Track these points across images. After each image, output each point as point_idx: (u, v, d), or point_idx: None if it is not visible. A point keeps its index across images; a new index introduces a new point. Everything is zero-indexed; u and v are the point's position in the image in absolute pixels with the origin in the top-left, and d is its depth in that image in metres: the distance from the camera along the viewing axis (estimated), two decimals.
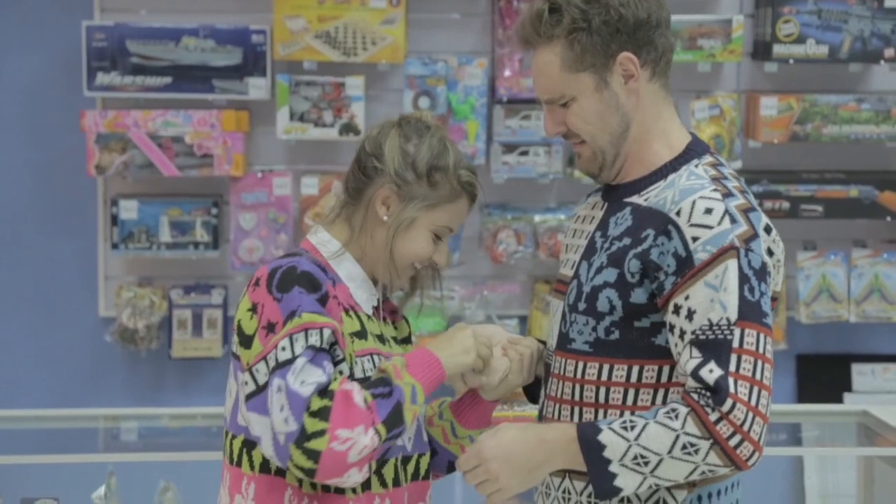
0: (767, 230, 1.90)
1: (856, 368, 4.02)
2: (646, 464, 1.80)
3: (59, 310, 3.99)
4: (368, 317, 2.03)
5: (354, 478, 1.89)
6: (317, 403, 1.86)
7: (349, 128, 3.85)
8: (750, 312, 1.81)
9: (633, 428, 1.81)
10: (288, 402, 1.86)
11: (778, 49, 3.77)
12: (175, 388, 4.01)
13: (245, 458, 2.00)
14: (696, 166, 1.93)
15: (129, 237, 3.87)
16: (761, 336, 1.81)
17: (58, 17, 3.91)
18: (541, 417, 2.03)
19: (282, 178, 3.91)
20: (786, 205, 3.82)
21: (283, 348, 1.88)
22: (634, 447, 1.80)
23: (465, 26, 3.94)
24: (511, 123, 3.89)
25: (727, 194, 1.87)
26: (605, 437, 1.82)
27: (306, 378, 1.87)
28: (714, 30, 3.81)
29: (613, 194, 2.00)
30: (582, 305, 1.93)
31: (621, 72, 1.92)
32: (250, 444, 1.99)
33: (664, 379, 1.88)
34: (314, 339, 1.88)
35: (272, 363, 1.88)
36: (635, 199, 1.94)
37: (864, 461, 2.92)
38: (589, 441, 1.83)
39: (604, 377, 1.91)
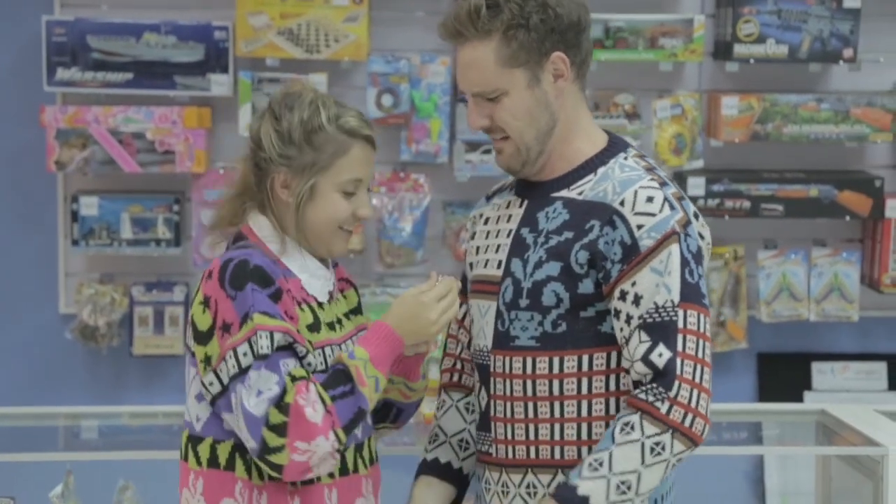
0: (696, 216, 1.99)
1: (816, 367, 4.05)
2: (629, 488, 1.87)
3: (19, 306, 3.96)
4: (321, 305, 2.03)
5: (326, 468, 1.93)
6: (275, 417, 1.88)
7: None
8: (691, 294, 1.90)
9: (601, 463, 1.87)
10: (245, 422, 1.89)
11: (738, 49, 3.79)
12: (136, 385, 3.99)
13: (191, 452, 2.01)
14: (625, 158, 2.00)
15: (89, 234, 3.84)
16: (701, 316, 1.90)
17: (17, 11, 3.87)
18: (488, 418, 2.04)
19: None
20: (747, 204, 3.85)
21: (245, 354, 1.90)
22: (613, 479, 1.86)
23: (428, 24, 3.94)
24: None
25: (663, 183, 1.96)
26: (584, 487, 1.87)
27: (262, 388, 1.89)
28: (675, 29, 3.83)
29: (535, 190, 2.03)
30: (524, 302, 1.96)
31: (552, 70, 1.97)
32: (195, 440, 2.00)
33: (613, 364, 1.95)
34: (265, 344, 1.89)
35: (232, 368, 1.90)
36: (565, 193, 1.99)
37: (822, 460, 2.95)
38: (573, 501, 1.86)
39: (555, 370, 1.95)
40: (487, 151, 3.90)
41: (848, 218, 3.88)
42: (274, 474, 1.91)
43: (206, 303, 1.94)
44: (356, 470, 2.03)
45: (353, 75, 3.93)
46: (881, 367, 4.05)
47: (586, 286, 1.94)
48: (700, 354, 1.90)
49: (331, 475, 2.00)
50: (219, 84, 3.82)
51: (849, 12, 3.80)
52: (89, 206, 3.84)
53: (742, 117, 3.83)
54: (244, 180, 2.06)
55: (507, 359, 1.99)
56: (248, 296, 1.91)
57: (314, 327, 2.00)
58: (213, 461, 1.98)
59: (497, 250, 2.03)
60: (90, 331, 3.89)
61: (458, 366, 2.18)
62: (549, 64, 1.96)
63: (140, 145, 3.82)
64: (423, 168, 3.94)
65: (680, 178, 3.86)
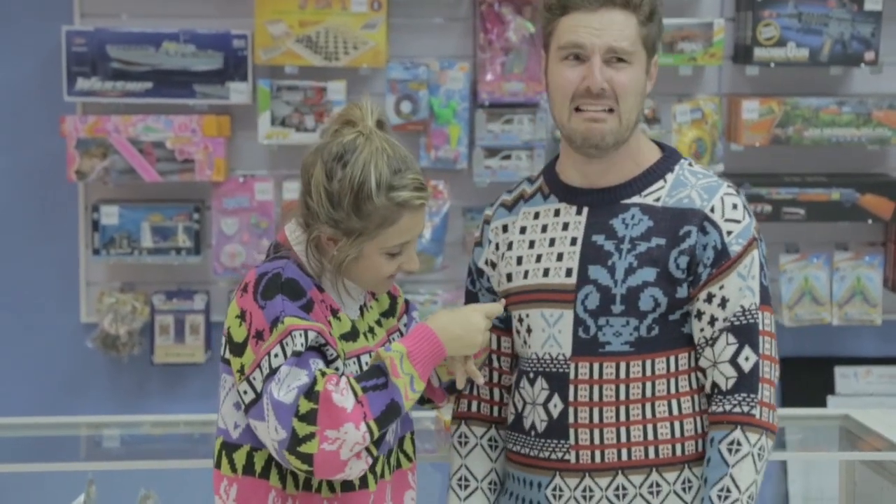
0: None
1: (839, 371, 4.02)
2: (752, 498, 2.03)
3: (40, 316, 3.97)
4: (355, 320, 2.04)
5: (356, 469, 1.92)
6: (304, 406, 1.88)
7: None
8: (766, 297, 2.06)
9: (728, 489, 1.99)
10: (274, 412, 1.88)
11: (759, 52, 3.78)
12: (157, 394, 4.00)
13: (225, 460, 2.01)
14: (690, 165, 2.11)
15: (110, 243, 3.85)
16: (772, 317, 2.07)
17: (37, 22, 3.89)
18: (565, 426, 2.06)
19: (263, 182, 3.90)
20: (768, 208, 3.83)
21: (276, 355, 1.91)
22: (744, 499, 2.00)
23: (446, 30, 3.94)
24: (493, 127, 3.88)
25: (737, 191, 2.09)
26: None
27: (291, 383, 1.89)
28: (695, 33, 3.81)
29: (596, 197, 2.08)
30: (618, 308, 2.02)
31: (650, 67, 2.08)
32: (231, 447, 2.01)
33: (693, 364, 2.06)
34: (299, 342, 1.90)
35: (265, 370, 1.91)
36: (637, 199, 2.06)
37: (846, 465, 2.93)
38: None
39: (648, 373, 2.04)
40: (507, 157, 3.89)
41: (870, 221, 3.86)
42: (304, 468, 1.88)
43: (242, 316, 1.95)
44: (390, 474, 2.04)
45: (371, 82, 3.93)
46: None
47: (683, 290, 2.04)
48: (774, 354, 2.05)
49: (370, 482, 1.99)
50: (238, 92, 3.83)
51: (870, 15, 3.77)
52: (110, 216, 3.85)
53: (762, 121, 3.81)
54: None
55: (596, 365, 2.04)
56: (279, 304, 1.92)
57: (351, 335, 2.00)
58: (248, 468, 1.98)
59: (560, 258, 2.07)
60: (111, 340, 3.90)
61: (476, 391, 2.20)
62: (652, 63, 2.09)
63: (160, 154, 3.83)
64: (443, 174, 3.94)
65: None
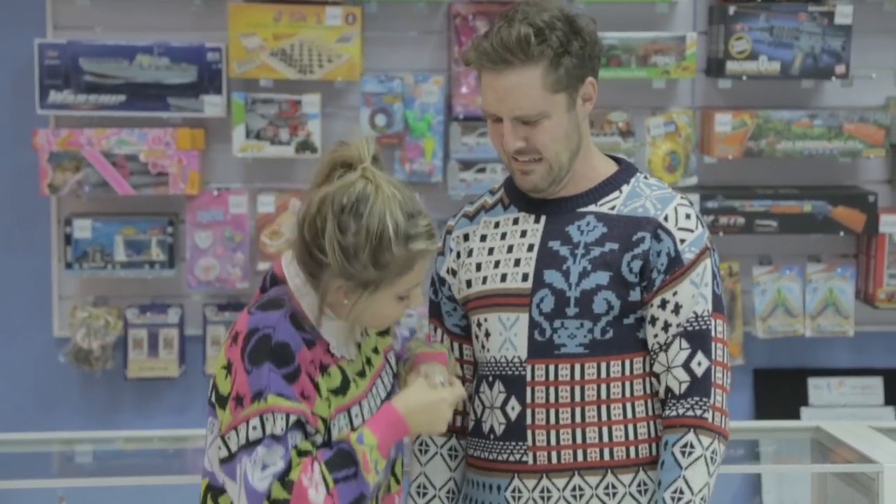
0: None
1: (812, 382, 4.05)
2: (704, 500, 2.05)
3: (12, 330, 3.95)
4: (350, 360, 2.02)
5: None
6: (277, 493, 1.88)
7: (306, 145, 3.84)
8: (718, 304, 2.10)
9: (681, 491, 2.02)
10: (246, 496, 1.88)
11: (731, 66, 3.80)
12: (130, 409, 3.97)
13: (210, 502, 2.02)
14: (646, 178, 2.16)
15: (83, 256, 3.84)
16: (724, 325, 2.10)
17: (9, 34, 3.87)
18: (523, 427, 2.08)
19: (238, 196, 3.89)
20: (741, 220, 3.85)
21: (255, 427, 1.90)
22: (697, 500, 2.02)
23: (421, 44, 3.94)
24: (468, 140, 3.89)
25: (690, 203, 2.14)
26: None
27: (267, 462, 1.88)
28: (668, 47, 3.83)
29: (553, 206, 2.13)
30: (572, 310, 2.06)
31: (583, 94, 2.10)
32: (216, 491, 2.02)
33: (647, 369, 2.11)
34: (280, 426, 1.88)
35: (241, 439, 1.90)
36: (593, 208, 2.11)
37: (818, 477, 2.95)
38: None
39: (603, 375, 2.08)
40: (482, 170, 3.90)
41: (842, 233, 3.89)
42: None
43: (228, 368, 1.94)
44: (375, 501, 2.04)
45: (346, 95, 3.93)
46: (877, 382, 4.05)
47: (635, 294, 2.08)
48: (726, 360, 2.10)
49: None
50: (212, 105, 3.82)
51: (840, 28, 3.81)
52: (83, 229, 3.83)
53: (735, 134, 3.84)
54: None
55: (552, 367, 2.08)
56: (264, 375, 1.89)
57: (340, 389, 1.97)
58: None
59: (517, 263, 2.11)
60: (84, 354, 3.87)
61: None
62: (583, 88, 2.10)
63: (133, 167, 3.81)
64: (418, 187, 3.94)
65: None
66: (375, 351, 2.09)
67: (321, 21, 3.80)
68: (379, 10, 3.89)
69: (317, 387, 1.93)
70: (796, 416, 3.99)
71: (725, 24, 3.80)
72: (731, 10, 3.79)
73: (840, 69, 3.83)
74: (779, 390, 4.03)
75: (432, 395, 2.00)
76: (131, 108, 3.81)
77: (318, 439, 1.94)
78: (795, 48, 3.82)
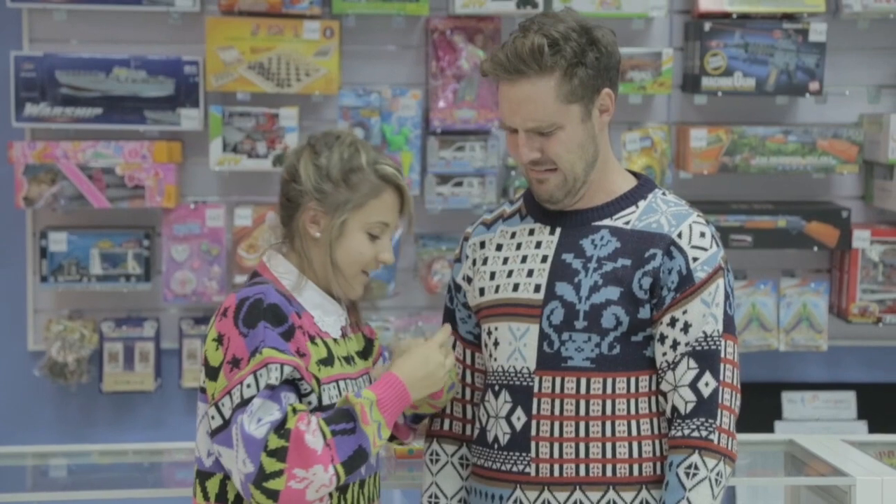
0: None
1: (786, 396, 4.07)
2: None
3: None
4: (335, 340, 2.06)
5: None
6: (274, 443, 1.89)
7: (283, 159, 3.84)
8: (730, 325, 2.08)
9: None
10: (244, 445, 1.90)
11: (706, 82, 3.83)
12: (106, 423, 3.95)
13: (198, 488, 2.03)
14: (664, 194, 2.15)
15: (58, 270, 3.82)
16: (735, 346, 2.09)
17: None
18: (527, 438, 2.09)
19: (215, 209, 3.88)
20: None
21: (248, 385, 1.92)
22: None
23: (399, 58, 3.96)
24: (445, 154, 3.90)
25: (707, 221, 2.12)
26: None
27: (263, 416, 1.91)
28: (644, 62, 3.86)
29: (570, 219, 2.13)
30: (580, 324, 2.06)
31: (600, 105, 2.10)
32: (204, 475, 2.03)
33: (654, 387, 2.09)
34: (274, 376, 1.92)
35: (236, 399, 1.92)
36: (608, 222, 2.11)
37: (792, 490, 2.96)
38: None
39: (608, 391, 2.07)
40: (459, 184, 3.91)
41: (816, 248, 3.92)
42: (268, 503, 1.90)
43: (219, 340, 1.97)
44: None
45: (323, 109, 3.94)
46: (850, 396, 4.08)
47: (645, 311, 2.07)
48: (735, 382, 2.08)
49: None
50: (189, 118, 3.82)
51: (814, 46, 3.85)
52: (58, 242, 3.82)
53: (710, 149, 3.87)
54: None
55: (558, 379, 2.08)
56: (260, 332, 1.94)
57: (328, 361, 2.02)
58: (221, 497, 2.00)
59: (530, 274, 2.11)
60: (59, 368, 3.85)
61: (448, 409, 2.22)
62: (599, 99, 2.09)
63: (109, 180, 3.80)
64: None
65: None
66: (360, 356, 2.12)
67: (299, 35, 3.81)
68: (357, 24, 3.90)
69: (308, 352, 1.98)
70: (770, 429, 4.01)
71: (701, 40, 3.83)
72: (707, 26, 3.82)
73: (814, 86, 3.86)
74: (753, 404, 4.05)
75: (417, 349, 2.04)
76: (108, 121, 3.80)
77: (313, 399, 1.96)
78: (770, 65, 3.85)
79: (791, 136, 3.88)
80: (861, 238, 3.91)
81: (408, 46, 3.96)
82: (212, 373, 1.97)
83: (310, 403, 1.97)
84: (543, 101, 2.04)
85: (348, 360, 2.07)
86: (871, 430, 4.01)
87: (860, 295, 3.92)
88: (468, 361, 2.22)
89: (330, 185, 2.02)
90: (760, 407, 4.04)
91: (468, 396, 2.22)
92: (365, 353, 2.15)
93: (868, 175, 4.03)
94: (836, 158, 3.89)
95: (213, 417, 1.95)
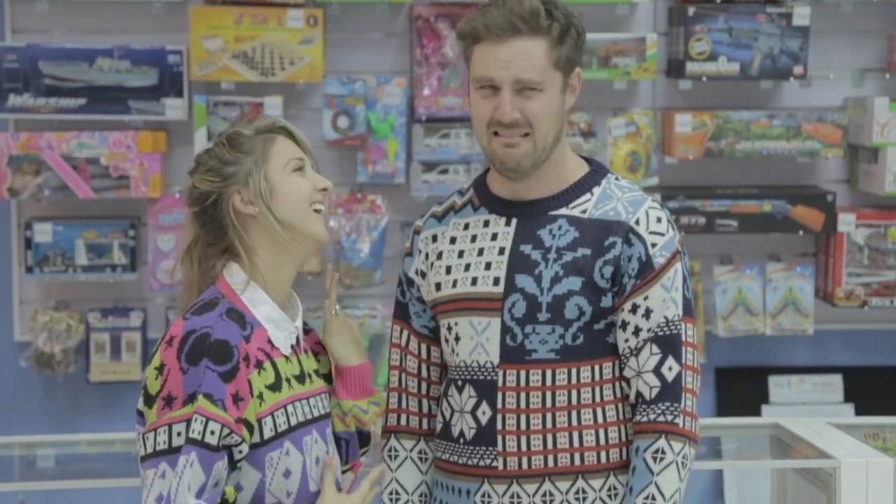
0: None
1: (773, 380, 4.08)
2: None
3: None
4: (287, 358, 2.03)
5: None
6: None
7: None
8: (688, 308, 2.09)
9: (653, 497, 2.01)
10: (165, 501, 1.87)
11: (691, 67, 3.83)
12: (93, 413, 3.95)
13: None
14: (617, 179, 2.14)
15: (44, 260, 3.81)
16: (694, 329, 2.10)
17: None
18: (493, 433, 2.08)
19: None
20: (701, 220, 3.88)
21: (179, 434, 1.89)
22: None
23: (383, 46, 3.95)
24: (430, 142, 3.90)
25: (662, 205, 2.13)
26: None
27: (191, 482, 1.88)
28: (628, 48, 3.86)
29: (525, 209, 2.11)
30: (544, 316, 2.05)
31: (570, 82, 2.10)
32: None
33: (617, 373, 2.10)
34: (198, 429, 1.89)
35: (162, 444, 1.90)
36: (564, 211, 2.10)
37: (778, 473, 2.98)
38: None
39: (573, 381, 2.07)
40: (444, 172, 3.91)
41: (801, 233, 3.93)
42: None
43: (160, 369, 1.94)
44: None
45: (308, 97, 3.93)
46: (837, 380, 4.09)
47: (607, 300, 2.07)
48: (696, 364, 2.10)
49: None
50: (173, 108, 3.81)
51: (798, 30, 3.85)
52: (43, 233, 3.81)
53: (695, 134, 3.87)
54: (194, 240, 2.07)
55: (523, 372, 2.07)
56: (200, 374, 1.90)
57: (275, 386, 1.99)
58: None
59: (488, 267, 2.09)
60: (46, 358, 3.85)
61: (405, 404, 2.21)
62: (572, 77, 2.10)
63: (94, 171, 3.79)
64: (380, 189, 3.95)
65: None
66: (317, 373, 2.10)
67: (283, 23, 3.80)
68: (340, 12, 3.89)
69: (250, 384, 1.95)
70: (757, 413, 4.02)
71: (685, 25, 3.83)
72: (691, 11, 3.82)
73: (798, 70, 3.87)
74: (740, 388, 4.07)
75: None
76: (92, 112, 3.79)
77: (244, 448, 1.94)
78: (754, 49, 3.85)
79: (776, 121, 3.88)
80: (846, 222, 3.92)
81: (392, 34, 3.95)
82: (149, 400, 1.94)
83: (241, 452, 1.94)
84: (536, 58, 2.04)
85: (300, 378, 2.04)
86: (858, 412, 4.02)
87: (846, 278, 3.94)
88: (423, 356, 2.19)
89: (232, 165, 2.02)
90: (747, 391, 4.06)
91: (424, 391, 2.20)
92: (327, 377, 2.13)
93: (853, 159, 4.04)
94: (821, 142, 3.90)
95: (140, 446, 1.94)
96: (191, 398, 1.90)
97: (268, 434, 1.96)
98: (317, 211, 2.05)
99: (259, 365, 1.97)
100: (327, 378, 2.14)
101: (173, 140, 3.92)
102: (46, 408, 3.93)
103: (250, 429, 1.95)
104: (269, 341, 2.01)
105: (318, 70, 3.83)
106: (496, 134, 2.08)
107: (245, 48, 3.80)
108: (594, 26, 3.89)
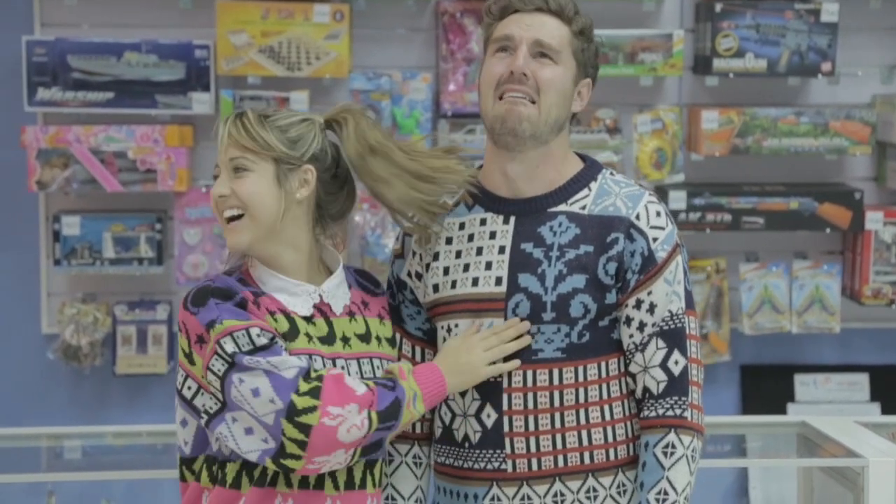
0: None
1: (798, 379, 4.07)
2: (687, 499, 2.05)
3: (1, 327, 3.94)
4: (306, 319, 2.02)
5: (339, 459, 1.92)
6: (304, 386, 1.89)
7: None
8: (690, 301, 2.09)
9: (665, 492, 2.01)
10: (270, 384, 1.88)
11: (718, 63, 3.82)
12: (119, 405, 3.98)
13: (185, 471, 2.05)
14: (612, 174, 2.14)
15: (71, 253, 3.84)
16: (696, 321, 2.11)
17: None
18: (500, 435, 2.06)
19: None
20: (727, 217, 3.87)
21: (228, 353, 1.91)
22: (681, 500, 2.01)
23: (409, 41, 3.95)
24: (456, 137, 3.90)
25: (659, 199, 2.12)
26: None
27: (287, 363, 1.89)
28: (655, 44, 3.85)
29: (523, 206, 2.09)
30: (549, 315, 2.04)
31: (580, 88, 2.11)
32: (187, 462, 2.04)
33: (623, 368, 2.09)
34: (243, 342, 1.92)
35: (222, 366, 1.91)
36: (563, 207, 2.08)
37: (804, 471, 2.96)
38: None
39: (580, 379, 2.06)
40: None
41: (828, 230, 3.91)
42: (300, 437, 1.87)
43: (181, 329, 1.99)
44: (363, 486, 2.03)
45: (334, 92, 3.94)
46: (863, 379, 4.07)
47: (611, 297, 2.06)
48: (699, 356, 2.10)
49: (336, 486, 1.99)
50: (200, 102, 3.83)
51: (826, 26, 3.83)
52: (71, 226, 3.83)
53: (722, 131, 3.85)
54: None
55: (529, 372, 2.05)
56: (212, 308, 1.95)
57: (288, 336, 1.99)
58: (212, 477, 2.00)
59: (489, 267, 2.07)
60: (73, 350, 3.88)
61: None
62: (583, 83, 2.12)
63: (122, 164, 3.81)
64: None
65: (661, 192, 3.88)
66: (363, 339, 2.07)
67: (309, 18, 3.81)
68: (367, 7, 3.89)
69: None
70: (783, 412, 4.01)
71: (712, 21, 3.82)
72: (718, 7, 3.81)
73: (826, 67, 3.85)
74: (765, 386, 4.05)
75: (467, 346, 2.03)
76: (119, 105, 3.81)
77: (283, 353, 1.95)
78: (782, 46, 3.84)
79: (803, 118, 3.86)
80: (874, 220, 3.89)
81: (418, 30, 3.95)
82: (187, 359, 1.98)
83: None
84: (558, 32, 2.07)
85: (326, 339, 2.01)
86: (885, 412, 4.00)
87: (873, 277, 3.91)
88: (417, 358, 2.15)
89: (293, 145, 2.04)
90: (773, 389, 4.04)
91: None
92: (367, 337, 2.09)
93: (881, 156, 4.01)
94: (849, 139, 3.87)
95: (203, 404, 1.95)
96: (212, 324, 1.93)
97: None
98: (227, 220, 2.04)
99: (271, 314, 1.99)
100: (391, 342, 2.12)
101: (200, 134, 3.93)
102: (73, 400, 3.96)
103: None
104: (283, 304, 2.02)
105: (345, 65, 3.84)
106: (501, 98, 2.06)
107: (272, 43, 3.82)
108: (621, 22, 3.88)
